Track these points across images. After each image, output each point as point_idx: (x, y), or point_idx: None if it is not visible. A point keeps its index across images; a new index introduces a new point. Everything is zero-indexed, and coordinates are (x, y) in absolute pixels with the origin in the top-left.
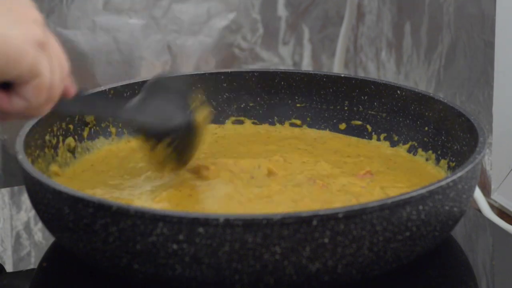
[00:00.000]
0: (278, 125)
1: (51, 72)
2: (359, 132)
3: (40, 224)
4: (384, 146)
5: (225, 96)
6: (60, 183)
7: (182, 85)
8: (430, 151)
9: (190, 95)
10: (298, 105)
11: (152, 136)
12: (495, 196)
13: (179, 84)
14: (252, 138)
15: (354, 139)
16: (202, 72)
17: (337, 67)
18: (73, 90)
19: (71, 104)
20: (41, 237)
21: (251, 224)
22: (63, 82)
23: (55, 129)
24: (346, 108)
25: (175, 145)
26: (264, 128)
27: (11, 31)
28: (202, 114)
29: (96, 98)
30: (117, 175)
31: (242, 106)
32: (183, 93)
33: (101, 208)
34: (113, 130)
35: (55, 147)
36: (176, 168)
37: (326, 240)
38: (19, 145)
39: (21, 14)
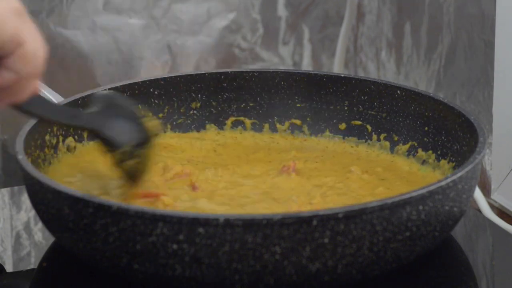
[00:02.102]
0: (276, 134)
1: (34, 40)
2: (359, 132)
3: (40, 224)
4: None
5: (225, 96)
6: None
7: (127, 101)
8: (430, 151)
9: (138, 110)
10: (298, 105)
11: (113, 145)
12: (495, 196)
13: (124, 100)
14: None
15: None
16: (202, 72)
17: (337, 67)
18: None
19: (33, 106)
20: (41, 237)
21: (251, 224)
22: (44, 52)
23: (55, 129)
24: (346, 108)
25: (136, 156)
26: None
27: None
28: (153, 127)
29: (54, 104)
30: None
31: (242, 106)
32: (131, 108)
33: (101, 208)
34: None
35: (55, 147)
36: (131, 184)
37: (326, 240)
38: (19, 145)
39: None
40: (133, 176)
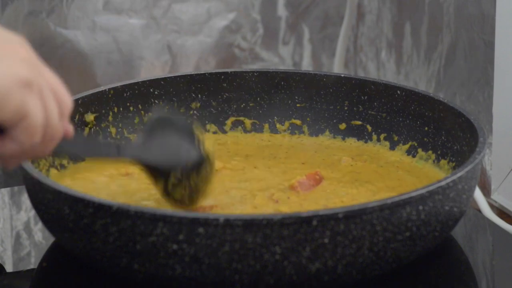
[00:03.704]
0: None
1: (45, 110)
2: (359, 132)
3: (40, 224)
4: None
5: (225, 96)
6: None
7: (182, 121)
8: (430, 151)
9: (193, 129)
10: (298, 105)
11: (161, 173)
12: (495, 196)
13: (179, 120)
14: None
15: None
16: (202, 72)
17: (337, 67)
18: (70, 129)
19: (72, 145)
20: (41, 237)
21: (251, 224)
22: (64, 118)
23: None
24: (346, 108)
25: (186, 182)
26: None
27: None
28: (209, 147)
29: (96, 140)
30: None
31: (242, 106)
32: (185, 128)
33: (101, 208)
34: (113, 130)
35: None
36: (189, 205)
37: (326, 240)
38: None
39: (4, 52)
40: (184, 202)
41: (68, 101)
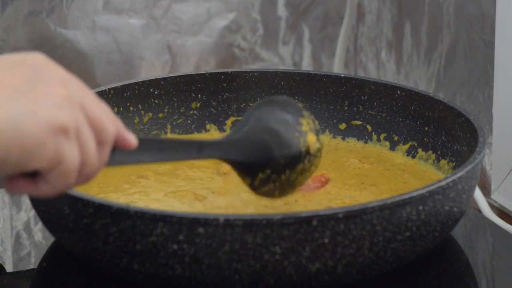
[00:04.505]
0: None
1: (81, 151)
2: (359, 132)
3: (40, 224)
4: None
5: (225, 96)
6: None
7: (289, 107)
8: (430, 151)
9: (300, 117)
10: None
11: (249, 169)
12: (495, 196)
13: (284, 106)
14: None
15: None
16: (202, 72)
17: (337, 67)
18: (130, 138)
19: (141, 154)
20: (41, 237)
21: (251, 224)
22: (104, 147)
23: None
24: (346, 108)
25: (277, 178)
26: None
27: (25, 120)
28: (313, 138)
29: (172, 140)
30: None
31: (242, 106)
32: (289, 117)
33: (101, 208)
34: None
35: None
36: (278, 197)
37: (326, 240)
38: None
39: (41, 92)
40: (273, 194)
41: (109, 128)
